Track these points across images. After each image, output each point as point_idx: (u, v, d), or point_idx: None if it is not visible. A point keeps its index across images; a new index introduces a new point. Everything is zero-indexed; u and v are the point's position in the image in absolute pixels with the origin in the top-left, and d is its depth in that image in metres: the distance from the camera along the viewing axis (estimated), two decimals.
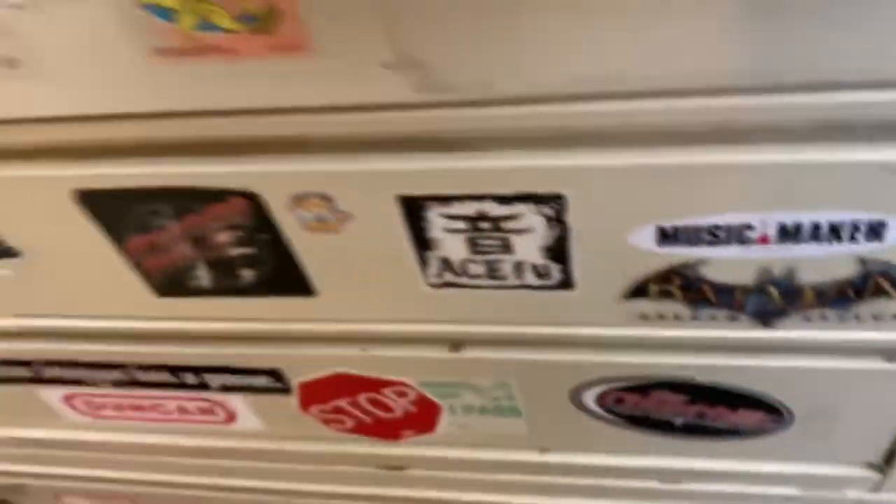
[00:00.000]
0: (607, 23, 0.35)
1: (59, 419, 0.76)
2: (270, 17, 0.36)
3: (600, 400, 0.62)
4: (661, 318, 0.52)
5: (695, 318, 0.52)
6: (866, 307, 0.49)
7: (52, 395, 0.71)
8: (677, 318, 0.52)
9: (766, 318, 0.51)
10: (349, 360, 0.61)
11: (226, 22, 0.36)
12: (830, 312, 0.50)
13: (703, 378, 0.58)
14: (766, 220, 0.44)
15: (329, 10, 0.36)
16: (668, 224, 0.45)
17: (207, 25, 0.36)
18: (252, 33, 0.37)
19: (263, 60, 0.38)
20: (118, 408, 0.72)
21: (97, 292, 0.57)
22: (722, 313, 0.51)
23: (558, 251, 0.48)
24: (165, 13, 0.36)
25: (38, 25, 0.37)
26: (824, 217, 0.43)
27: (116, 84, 0.40)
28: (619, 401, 0.62)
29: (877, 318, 0.50)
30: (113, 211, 0.49)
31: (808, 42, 0.35)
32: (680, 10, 0.34)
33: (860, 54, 0.35)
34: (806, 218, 0.43)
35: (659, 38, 0.35)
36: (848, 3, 0.33)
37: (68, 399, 0.72)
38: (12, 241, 0.53)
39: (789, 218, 0.43)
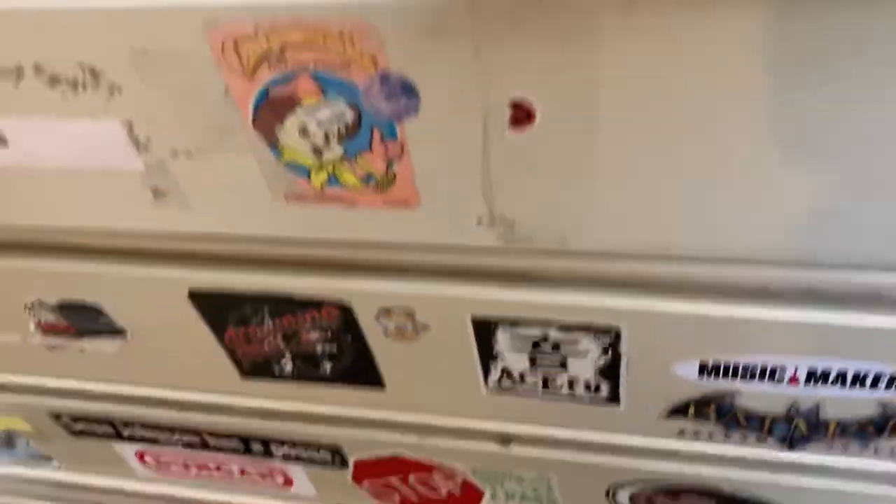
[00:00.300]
0: (664, 202, 0.41)
1: (127, 471, 0.82)
2: (388, 179, 0.43)
3: (633, 499, 0.67)
4: (696, 435, 0.58)
5: (727, 437, 0.57)
6: (885, 442, 0.54)
7: (127, 450, 0.78)
8: (711, 436, 0.57)
9: (791, 442, 0.57)
10: (406, 446, 0.67)
11: (351, 180, 0.43)
12: (851, 443, 0.55)
13: (729, 487, 0.63)
14: (798, 365, 0.50)
15: (437, 177, 0.42)
16: (708, 360, 0.51)
17: (335, 181, 0.43)
18: (371, 190, 0.43)
19: (376, 210, 0.45)
20: (185, 466, 0.78)
21: (188, 369, 0.64)
22: (752, 436, 0.57)
23: (609, 372, 0.54)
24: (303, 170, 0.43)
25: (188, 168, 0.45)
26: (851, 366, 0.49)
27: (247, 216, 0.47)
28: (650, 500, 0.67)
29: (894, 452, 0.55)
30: (219, 307, 0.56)
31: (841, 231, 0.41)
32: (726, 198, 0.40)
33: (885, 243, 0.41)
34: (834, 365, 0.49)
35: (708, 220, 0.42)
36: (873, 206, 0.39)
37: (140, 454, 0.78)
38: (123, 323, 0.60)
39: (818, 364, 0.49)
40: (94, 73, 0.40)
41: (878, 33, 0.32)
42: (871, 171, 0.38)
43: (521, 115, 0.38)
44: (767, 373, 0.51)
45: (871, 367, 0.49)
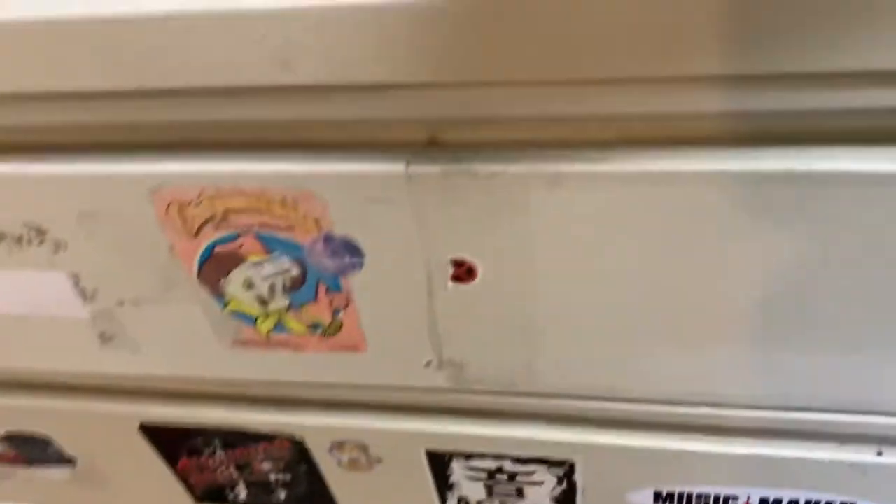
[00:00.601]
0: (606, 350, 0.42)
1: None
2: (334, 326, 0.43)
3: None
4: None
5: None
6: None
7: None
8: None
9: None
10: None
11: (297, 328, 0.43)
12: None
13: None
14: (750, 494, 0.50)
15: (384, 325, 0.43)
16: (662, 489, 0.51)
17: (281, 328, 0.43)
18: (317, 336, 0.44)
19: (324, 353, 0.45)
20: None
21: (141, 495, 0.62)
22: None
23: (566, 500, 0.53)
24: (249, 318, 0.43)
25: (135, 316, 0.45)
26: (801, 495, 0.49)
27: (195, 359, 0.47)
28: None
29: None
30: (171, 439, 0.55)
31: (782, 379, 0.42)
32: (667, 347, 0.41)
33: (824, 389, 0.42)
34: (784, 495, 0.49)
35: (650, 367, 0.42)
36: (812, 357, 0.40)
37: None
38: (73, 453, 0.59)
39: (770, 494, 0.49)
40: (40, 231, 0.40)
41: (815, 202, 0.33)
42: (809, 327, 0.39)
43: (463, 271, 0.39)
44: (721, 501, 0.51)
45: (820, 497, 0.49)
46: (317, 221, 0.37)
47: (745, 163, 0.32)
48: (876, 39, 0.27)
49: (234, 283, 0.41)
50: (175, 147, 0.36)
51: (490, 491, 0.54)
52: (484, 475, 0.53)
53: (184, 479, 0.59)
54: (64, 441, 0.57)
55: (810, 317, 0.38)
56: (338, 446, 0.53)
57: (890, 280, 0.35)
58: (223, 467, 0.57)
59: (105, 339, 0.46)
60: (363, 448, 0.52)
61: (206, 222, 0.38)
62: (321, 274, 0.40)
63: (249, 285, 0.41)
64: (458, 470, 0.53)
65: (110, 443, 0.56)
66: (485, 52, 0.29)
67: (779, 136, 0.32)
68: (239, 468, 0.57)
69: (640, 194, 0.34)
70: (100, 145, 0.37)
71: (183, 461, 0.57)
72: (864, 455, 0.45)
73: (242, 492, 0.60)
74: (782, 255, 0.35)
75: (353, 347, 0.44)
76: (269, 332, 0.44)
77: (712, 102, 0.31)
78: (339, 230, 0.37)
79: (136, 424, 0.54)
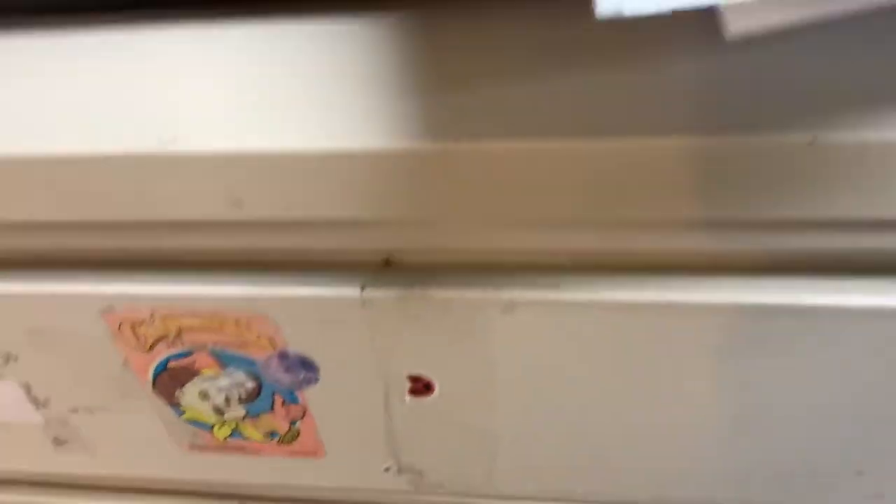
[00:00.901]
0: (563, 457, 0.42)
1: None
2: (291, 434, 0.42)
3: None
4: None
5: None
6: None
7: None
8: None
9: None
10: None
11: (254, 435, 0.43)
12: None
13: None
14: None
15: (342, 433, 0.42)
16: None
17: (238, 435, 0.43)
18: (274, 442, 0.43)
19: (282, 458, 0.44)
20: None
21: None
22: None
23: None
24: (205, 425, 0.42)
25: (89, 422, 0.44)
26: None
27: (152, 462, 0.46)
28: None
29: None
30: None
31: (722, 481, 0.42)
32: (623, 454, 0.41)
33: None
34: None
35: (604, 471, 0.42)
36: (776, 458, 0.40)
37: None
38: None
39: None
40: None
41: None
42: (772, 438, 0.39)
43: (420, 386, 0.39)
44: None
45: None
46: (271, 340, 0.37)
47: (701, 294, 0.32)
48: (835, 192, 0.27)
49: (189, 394, 0.41)
50: (125, 267, 0.36)
51: None
52: None
53: None
54: None
55: (775, 431, 0.38)
56: None
57: (850, 398, 0.36)
58: None
59: (59, 442, 0.45)
60: None
61: (159, 340, 0.38)
62: (277, 388, 0.39)
63: (205, 396, 0.40)
64: None
65: None
66: (438, 195, 0.29)
67: (737, 267, 0.32)
68: None
69: (594, 321, 0.34)
70: (47, 264, 0.36)
71: None
72: None
73: None
74: (740, 379, 0.35)
75: (312, 454, 0.44)
76: (225, 437, 0.43)
77: (667, 241, 0.31)
78: (294, 348, 0.37)
79: None
